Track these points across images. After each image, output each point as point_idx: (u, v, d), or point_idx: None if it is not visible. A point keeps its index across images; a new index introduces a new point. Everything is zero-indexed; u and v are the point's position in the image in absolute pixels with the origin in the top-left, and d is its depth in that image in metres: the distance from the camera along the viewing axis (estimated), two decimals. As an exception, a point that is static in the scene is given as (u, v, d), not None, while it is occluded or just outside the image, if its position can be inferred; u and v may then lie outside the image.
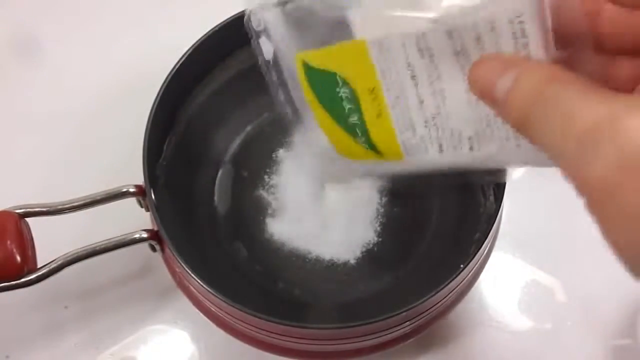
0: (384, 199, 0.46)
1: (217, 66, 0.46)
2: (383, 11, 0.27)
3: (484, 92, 0.24)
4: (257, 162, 0.48)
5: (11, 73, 0.56)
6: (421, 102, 0.28)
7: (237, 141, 0.49)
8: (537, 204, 0.49)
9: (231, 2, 0.44)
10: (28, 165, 0.52)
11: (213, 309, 0.39)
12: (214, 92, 0.46)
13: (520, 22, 0.24)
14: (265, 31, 0.32)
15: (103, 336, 0.46)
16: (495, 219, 0.39)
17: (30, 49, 0.56)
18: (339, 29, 0.28)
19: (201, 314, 0.41)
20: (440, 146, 0.29)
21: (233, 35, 0.45)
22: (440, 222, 0.45)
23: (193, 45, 0.43)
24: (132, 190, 0.40)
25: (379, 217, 0.46)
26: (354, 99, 0.30)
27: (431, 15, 0.25)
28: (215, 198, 0.47)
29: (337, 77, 0.30)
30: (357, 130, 0.32)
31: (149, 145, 0.40)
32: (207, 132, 0.47)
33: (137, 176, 0.40)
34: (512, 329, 0.46)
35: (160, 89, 0.42)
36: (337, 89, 0.31)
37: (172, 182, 0.43)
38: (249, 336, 0.39)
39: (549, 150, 0.22)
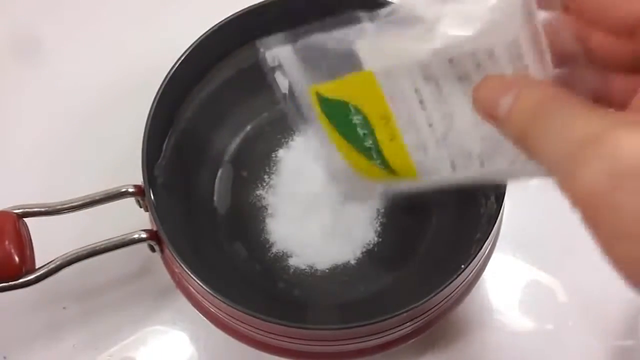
0: (384, 199, 0.46)
1: (216, 66, 0.46)
2: (387, 43, 0.29)
3: (487, 112, 0.25)
4: (257, 162, 0.48)
5: (11, 73, 0.56)
6: (430, 124, 0.30)
7: (237, 141, 0.48)
8: (538, 205, 0.49)
9: (230, 2, 0.44)
10: (27, 165, 0.52)
11: (212, 310, 0.39)
12: (213, 92, 0.46)
13: (517, 47, 0.25)
14: (280, 66, 0.34)
15: (102, 337, 0.45)
16: (496, 220, 0.39)
17: (30, 49, 0.56)
18: (349, 60, 0.30)
19: (200, 315, 0.41)
20: (453, 164, 0.31)
21: (232, 35, 0.45)
22: (440, 222, 0.45)
23: (192, 45, 0.43)
24: (131, 190, 0.40)
25: (379, 217, 0.45)
26: (367, 124, 0.32)
27: (432, 46, 0.27)
28: (215, 198, 0.47)
29: (350, 106, 0.32)
30: (373, 153, 0.33)
31: (148, 146, 0.40)
32: (206, 132, 0.47)
33: (136, 176, 0.40)
34: (513, 329, 0.46)
35: (160, 88, 0.42)
36: (350, 117, 0.32)
37: (171, 182, 0.43)
38: (249, 337, 0.39)
39: (545, 164, 0.22)
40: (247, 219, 0.46)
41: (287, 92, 0.35)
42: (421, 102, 0.29)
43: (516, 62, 0.26)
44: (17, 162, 0.52)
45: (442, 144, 0.30)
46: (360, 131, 0.33)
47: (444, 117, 0.29)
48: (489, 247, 0.40)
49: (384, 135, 0.32)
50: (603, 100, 0.26)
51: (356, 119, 0.32)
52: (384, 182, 0.36)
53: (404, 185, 0.35)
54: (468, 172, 0.30)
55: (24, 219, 0.40)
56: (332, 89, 0.33)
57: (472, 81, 0.27)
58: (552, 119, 0.22)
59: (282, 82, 0.35)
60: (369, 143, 0.33)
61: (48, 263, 0.39)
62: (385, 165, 0.33)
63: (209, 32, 0.43)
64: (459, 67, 0.27)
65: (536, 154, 0.23)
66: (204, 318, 0.41)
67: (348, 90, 0.32)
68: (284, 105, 0.36)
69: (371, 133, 0.32)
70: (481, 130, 0.28)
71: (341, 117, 0.33)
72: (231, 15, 0.44)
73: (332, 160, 0.37)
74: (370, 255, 0.45)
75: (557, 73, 0.26)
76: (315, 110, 0.34)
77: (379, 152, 0.33)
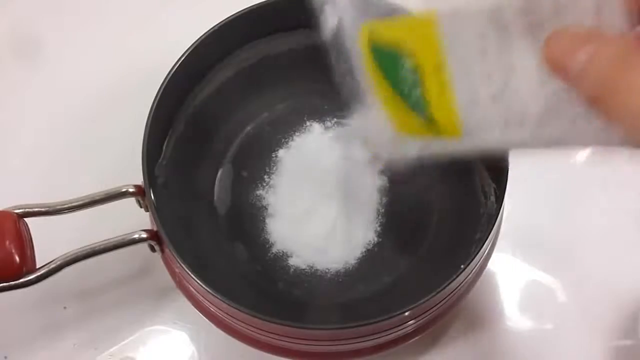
0: (384, 199, 0.46)
1: (216, 66, 0.46)
2: None
3: (558, 66, 0.24)
4: (257, 162, 0.48)
5: (11, 73, 0.56)
6: (489, 76, 0.27)
7: (237, 141, 0.48)
8: (538, 205, 0.49)
9: (230, 2, 0.44)
10: (27, 165, 0.52)
11: (212, 310, 0.39)
12: (214, 92, 0.46)
13: None
14: (331, 1, 0.32)
15: (102, 337, 0.45)
16: (496, 219, 0.39)
17: (30, 49, 0.56)
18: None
19: (200, 315, 0.41)
20: (506, 122, 0.28)
21: (232, 35, 0.45)
22: (440, 222, 0.45)
23: (192, 45, 0.43)
24: (131, 190, 0.40)
25: (379, 217, 0.45)
26: (417, 72, 0.30)
27: None
28: (215, 198, 0.47)
29: (402, 49, 0.30)
30: (418, 104, 0.31)
31: (148, 145, 0.40)
32: (206, 132, 0.47)
33: (136, 176, 0.40)
34: (513, 329, 0.46)
35: (160, 88, 0.42)
36: (401, 62, 0.30)
37: (171, 182, 0.43)
38: (249, 337, 0.39)
39: (626, 124, 0.22)
40: (247, 219, 0.46)
41: (334, 29, 0.33)
42: (483, 50, 0.27)
43: (599, 12, 0.23)
44: (17, 162, 0.52)
45: (497, 99, 0.28)
46: (409, 78, 0.30)
47: (505, 69, 0.27)
48: (488, 247, 0.40)
49: (435, 85, 0.30)
50: None
51: (406, 65, 0.30)
52: (423, 139, 0.33)
53: (444, 145, 0.32)
54: (521, 133, 0.28)
55: (25, 219, 0.40)
56: (386, 29, 0.30)
57: (546, 31, 0.24)
58: (634, 77, 0.21)
59: (332, 18, 0.32)
60: (416, 92, 0.30)
61: (48, 263, 0.38)
62: (429, 119, 0.31)
63: (209, 32, 0.43)
64: (534, 14, 0.25)
65: (615, 112, 0.22)
66: (204, 318, 0.41)
67: (403, 32, 0.29)
68: (329, 47, 0.33)
69: (421, 82, 0.30)
70: (545, 87, 0.26)
71: (390, 62, 0.31)
72: (231, 16, 0.44)
73: (372, 111, 0.34)
74: (370, 255, 0.45)
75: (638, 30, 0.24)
76: (363, 52, 0.32)
77: (426, 104, 0.30)
